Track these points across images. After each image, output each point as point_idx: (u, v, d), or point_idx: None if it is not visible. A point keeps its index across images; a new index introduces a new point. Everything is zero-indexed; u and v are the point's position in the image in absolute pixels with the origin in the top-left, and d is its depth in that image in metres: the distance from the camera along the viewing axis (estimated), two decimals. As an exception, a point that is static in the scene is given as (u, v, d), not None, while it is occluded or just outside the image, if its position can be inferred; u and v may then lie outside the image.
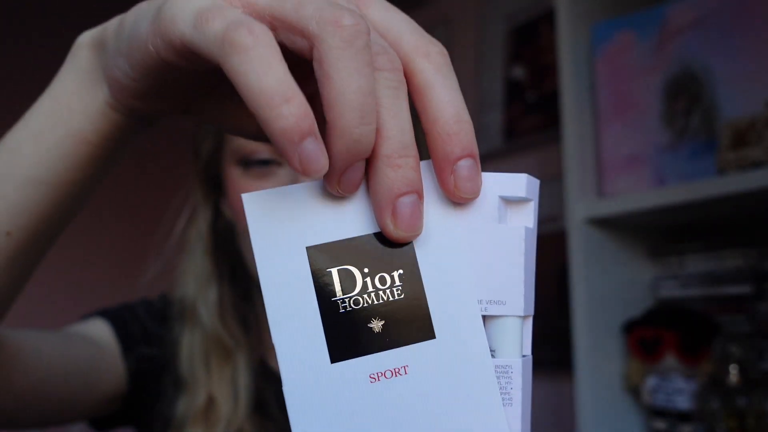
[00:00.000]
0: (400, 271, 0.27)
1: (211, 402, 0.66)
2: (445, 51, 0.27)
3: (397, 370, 0.27)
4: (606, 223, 1.00)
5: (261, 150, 0.64)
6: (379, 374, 0.27)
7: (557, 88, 1.05)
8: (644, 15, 0.98)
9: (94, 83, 0.32)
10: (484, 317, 0.28)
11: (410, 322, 0.27)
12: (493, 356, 0.28)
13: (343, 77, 0.23)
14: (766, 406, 0.85)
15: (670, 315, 0.98)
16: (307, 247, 0.27)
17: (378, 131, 0.25)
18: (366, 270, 0.27)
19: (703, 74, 0.91)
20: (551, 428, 1.35)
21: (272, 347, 0.27)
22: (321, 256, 0.27)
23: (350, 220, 0.27)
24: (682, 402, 0.93)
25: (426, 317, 0.27)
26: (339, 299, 0.27)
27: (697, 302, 0.98)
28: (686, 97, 0.93)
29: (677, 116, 0.94)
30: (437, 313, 0.27)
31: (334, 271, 0.27)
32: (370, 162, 0.26)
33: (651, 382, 0.97)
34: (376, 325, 0.27)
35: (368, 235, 0.27)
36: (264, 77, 0.22)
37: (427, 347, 0.27)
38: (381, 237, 0.27)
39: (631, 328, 0.99)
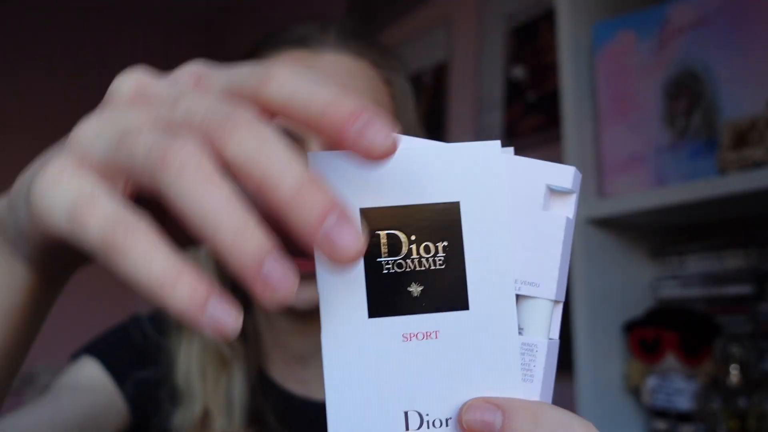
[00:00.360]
0: (445, 243, 0.29)
1: (206, 414, 0.65)
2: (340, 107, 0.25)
3: (428, 334, 0.29)
4: (606, 223, 1.00)
5: None
6: (412, 335, 0.29)
7: (557, 88, 1.05)
8: (645, 15, 0.98)
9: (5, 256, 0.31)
10: (518, 296, 0.30)
11: (447, 292, 0.29)
12: (520, 334, 0.30)
13: (196, 209, 0.22)
14: (767, 406, 0.85)
15: (670, 315, 0.97)
16: (361, 209, 0.29)
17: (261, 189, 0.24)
18: (413, 237, 0.29)
19: (703, 74, 0.91)
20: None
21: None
22: (373, 219, 0.29)
23: (405, 188, 0.29)
24: (683, 402, 0.93)
25: (462, 289, 0.29)
26: (384, 260, 0.29)
27: (698, 302, 0.98)
28: (687, 97, 0.92)
29: (678, 116, 0.93)
30: (474, 286, 0.29)
31: (383, 234, 0.29)
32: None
33: (651, 382, 0.97)
34: (415, 289, 0.29)
35: (421, 204, 0.29)
36: (148, 271, 0.22)
37: (459, 316, 0.29)
38: (432, 209, 0.29)
39: (631, 328, 0.98)
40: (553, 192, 0.30)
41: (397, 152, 0.26)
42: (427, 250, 0.29)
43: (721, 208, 0.90)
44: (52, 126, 2.72)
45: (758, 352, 0.89)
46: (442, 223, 0.29)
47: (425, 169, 0.29)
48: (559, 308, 0.30)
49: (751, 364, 0.88)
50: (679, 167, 0.92)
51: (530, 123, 1.45)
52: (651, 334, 0.96)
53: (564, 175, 0.30)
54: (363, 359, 0.29)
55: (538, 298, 0.30)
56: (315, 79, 0.25)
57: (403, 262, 0.29)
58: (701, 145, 0.90)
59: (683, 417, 0.94)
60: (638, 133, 0.97)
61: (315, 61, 0.63)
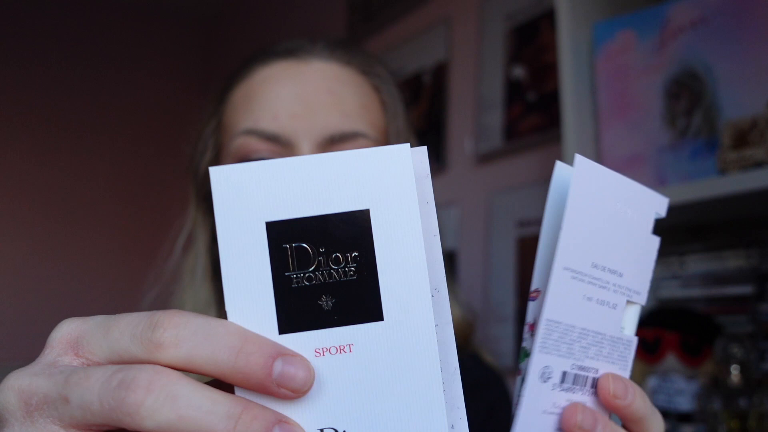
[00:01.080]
0: (356, 253, 0.28)
1: None
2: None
3: (342, 348, 0.28)
4: (607, 223, 0.99)
5: (262, 150, 0.63)
6: (325, 349, 0.28)
7: (557, 88, 1.05)
8: (645, 14, 0.98)
9: None
10: (627, 302, 0.33)
11: (360, 302, 0.28)
12: (623, 331, 0.33)
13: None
14: (768, 406, 0.85)
15: (671, 315, 0.97)
16: (266, 222, 0.28)
17: None
18: (322, 249, 0.28)
19: (704, 74, 0.91)
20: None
21: None
22: (279, 232, 0.28)
23: (312, 199, 0.29)
24: (683, 403, 0.93)
25: (375, 299, 0.28)
26: (292, 274, 0.28)
27: (699, 302, 0.98)
28: (687, 97, 0.92)
29: (678, 116, 0.93)
30: (388, 295, 0.28)
31: (290, 248, 0.28)
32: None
33: (652, 382, 0.97)
34: (327, 302, 0.28)
35: (329, 215, 0.29)
36: None
37: (374, 328, 0.28)
38: (340, 218, 0.28)
39: (631, 328, 0.98)
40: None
41: (303, 162, 0.28)
42: (336, 261, 0.28)
43: (722, 208, 0.90)
44: (52, 125, 2.72)
45: (759, 352, 0.89)
46: (351, 232, 0.28)
47: (333, 178, 0.29)
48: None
49: (752, 364, 0.88)
50: (679, 167, 0.92)
51: (530, 123, 1.45)
52: (651, 335, 0.96)
53: (663, 205, 0.35)
54: None
55: (638, 304, 0.33)
56: (207, 324, 0.27)
57: (312, 275, 0.28)
58: (702, 145, 0.90)
59: (684, 417, 0.93)
60: (638, 133, 0.97)
61: (303, 69, 0.64)
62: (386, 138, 0.65)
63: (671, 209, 0.90)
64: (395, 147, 0.29)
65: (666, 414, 0.96)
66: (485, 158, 1.52)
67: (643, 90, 0.97)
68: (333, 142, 0.60)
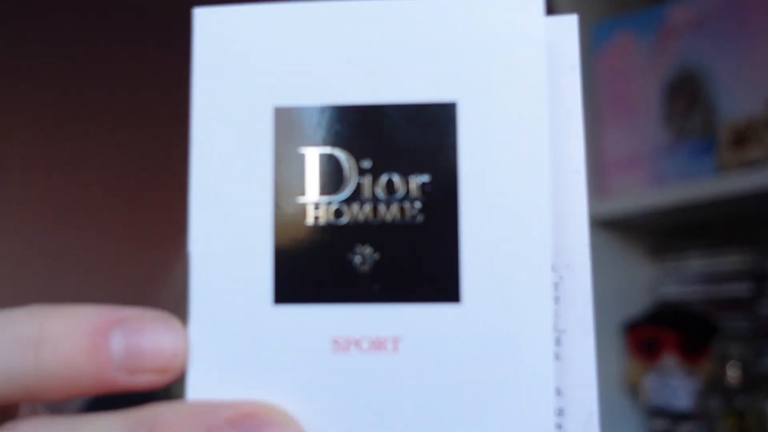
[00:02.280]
0: (425, 178, 0.17)
1: None
2: None
3: (381, 341, 0.17)
4: (606, 223, 1.00)
5: None
6: (351, 341, 0.17)
7: (557, 88, 1.05)
8: (644, 15, 0.98)
9: None
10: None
11: (422, 266, 0.17)
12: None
13: None
14: (766, 406, 0.85)
15: (669, 315, 0.97)
16: (276, 108, 0.17)
17: None
18: (367, 163, 0.17)
19: (703, 74, 0.91)
20: (551, 428, 1.34)
21: None
22: (295, 127, 0.17)
23: (358, 76, 0.17)
24: (682, 402, 0.93)
25: (451, 264, 0.17)
26: (311, 202, 0.17)
27: (697, 302, 0.98)
28: (686, 97, 0.93)
29: (677, 116, 0.94)
30: (474, 262, 0.17)
31: (312, 154, 0.17)
32: None
33: (650, 381, 0.97)
34: (364, 257, 0.17)
35: (382, 106, 0.17)
36: None
37: (441, 314, 0.17)
38: (404, 114, 0.17)
39: (630, 327, 0.99)
40: None
41: (351, 9, 0.16)
42: (390, 187, 0.17)
43: (721, 208, 0.90)
44: (52, 126, 2.73)
45: (757, 351, 0.89)
46: (422, 140, 0.17)
47: (397, 42, 0.17)
48: None
49: (750, 363, 0.88)
50: (678, 167, 0.92)
51: (530, 123, 1.45)
52: (650, 334, 0.96)
53: None
54: (260, 380, 0.17)
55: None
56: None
57: (344, 208, 0.17)
58: (700, 144, 0.91)
59: (682, 416, 0.94)
60: (637, 133, 0.97)
61: None
62: None
63: (670, 209, 0.91)
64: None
65: (664, 413, 0.96)
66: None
67: (641, 90, 0.97)
68: None
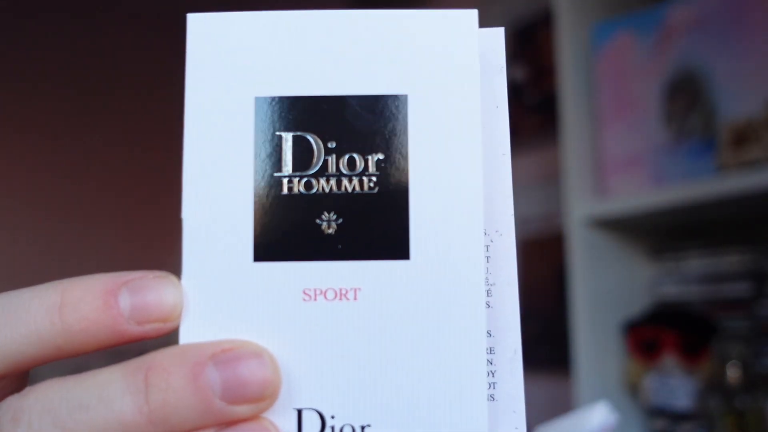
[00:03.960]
0: (380, 156, 0.20)
1: None
2: None
3: (344, 292, 0.20)
4: (606, 223, 1.00)
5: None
6: (318, 291, 0.20)
7: (557, 88, 1.05)
8: (644, 15, 0.98)
9: None
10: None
11: (378, 229, 0.20)
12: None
13: None
14: (766, 405, 0.85)
15: (669, 315, 0.98)
16: (256, 98, 0.21)
17: None
18: (332, 144, 0.21)
19: (702, 74, 0.91)
20: (551, 428, 1.35)
21: None
22: (273, 114, 0.21)
23: (326, 72, 0.21)
24: (682, 402, 0.94)
25: (402, 227, 0.20)
26: (285, 176, 0.20)
27: (697, 302, 0.98)
28: (686, 97, 0.93)
29: (677, 116, 0.94)
30: (421, 224, 0.20)
31: (287, 137, 0.21)
32: None
33: (650, 381, 0.97)
34: (329, 222, 0.20)
35: (345, 97, 0.21)
36: None
37: (394, 269, 0.20)
38: (364, 103, 0.21)
39: (630, 327, 0.99)
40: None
41: (322, 19, 0.20)
42: (351, 164, 0.20)
43: (720, 208, 0.91)
44: (51, 126, 2.73)
45: (757, 351, 0.89)
46: (378, 125, 0.20)
47: (360, 46, 0.21)
48: None
49: (750, 363, 0.88)
50: (678, 167, 0.92)
51: (530, 123, 1.45)
52: (650, 334, 0.96)
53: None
54: (239, 321, 0.20)
55: None
56: (7, 298, 0.21)
57: (313, 181, 0.20)
58: (700, 144, 0.91)
59: (682, 416, 0.94)
60: (637, 133, 0.97)
61: None
62: None
63: (670, 209, 0.91)
64: (457, 12, 0.21)
65: (664, 413, 0.96)
66: (485, 158, 1.52)
67: (641, 90, 0.97)
68: None
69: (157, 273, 0.21)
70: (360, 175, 0.20)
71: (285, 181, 0.20)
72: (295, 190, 0.20)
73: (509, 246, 0.22)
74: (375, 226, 0.20)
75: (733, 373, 0.88)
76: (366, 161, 0.21)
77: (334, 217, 0.20)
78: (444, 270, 0.20)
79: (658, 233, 1.06)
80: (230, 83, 0.21)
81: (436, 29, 0.21)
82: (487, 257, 0.22)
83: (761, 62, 0.85)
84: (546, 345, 1.35)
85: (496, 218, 0.22)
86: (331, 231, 0.20)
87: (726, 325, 0.94)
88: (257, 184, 0.20)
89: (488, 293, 0.21)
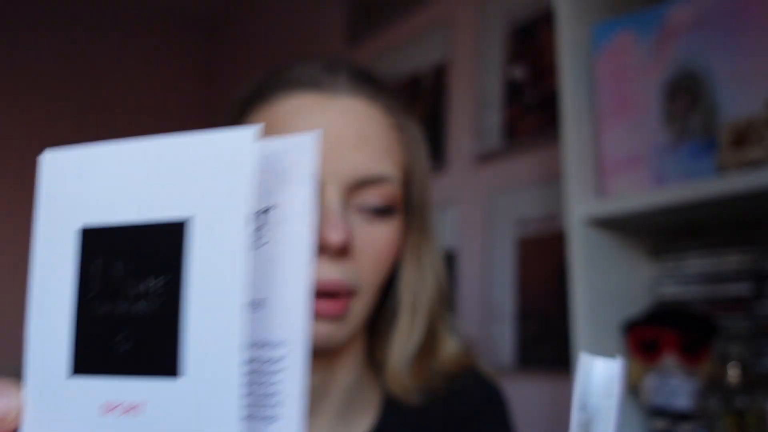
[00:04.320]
0: (166, 278, 0.21)
1: None
2: None
3: (133, 406, 0.21)
4: (606, 223, 1.00)
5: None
6: (113, 405, 0.21)
7: (557, 88, 1.05)
8: (644, 15, 0.98)
9: None
10: None
11: (156, 348, 0.21)
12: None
13: None
14: (766, 405, 0.85)
15: (669, 315, 0.98)
16: (84, 229, 0.22)
17: None
18: (134, 267, 0.21)
19: (703, 74, 0.91)
20: (550, 428, 1.35)
21: None
22: (94, 242, 0.22)
23: (129, 200, 0.22)
24: (682, 401, 0.94)
25: (172, 347, 0.21)
26: (98, 296, 0.22)
27: (697, 302, 0.98)
28: (686, 97, 0.93)
29: (677, 116, 0.94)
30: (193, 344, 0.21)
31: (102, 264, 0.22)
32: None
33: (650, 381, 0.97)
34: (123, 342, 0.21)
35: (141, 225, 0.21)
36: None
37: (166, 387, 0.21)
38: (154, 230, 0.21)
39: (630, 327, 0.99)
40: None
41: (127, 150, 0.22)
42: (146, 287, 0.21)
43: (720, 208, 0.91)
44: (51, 126, 2.73)
45: (757, 351, 0.89)
46: (163, 250, 0.21)
47: (154, 173, 0.22)
48: None
49: (750, 363, 0.88)
50: (678, 167, 0.92)
51: (530, 123, 1.45)
52: (650, 334, 0.96)
53: None
54: None
55: None
56: None
57: (120, 301, 0.21)
58: (700, 144, 0.91)
59: (682, 416, 0.94)
60: (637, 133, 0.97)
61: (330, 105, 0.61)
62: (408, 177, 0.64)
63: (670, 209, 0.91)
64: (231, 133, 0.22)
65: (664, 412, 0.96)
66: (484, 158, 1.52)
67: (641, 90, 0.97)
68: (360, 185, 0.59)
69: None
70: (152, 296, 0.21)
71: (98, 301, 0.22)
72: (105, 310, 0.22)
73: (298, 358, 0.22)
74: (157, 344, 0.21)
75: (733, 373, 0.88)
76: (157, 284, 0.21)
77: (129, 337, 0.21)
78: (207, 387, 0.21)
79: (658, 233, 1.06)
80: (64, 213, 0.22)
81: (215, 151, 0.21)
82: (275, 371, 0.22)
83: (761, 62, 0.85)
84: (546, 345, 1.35)
85: (285, 330, 0.22)
86: (125, 348, 0.21)
87: (726, 325, 0.94)
88: (77, 307, 0.22)
89: (275, 404, 0.22)
